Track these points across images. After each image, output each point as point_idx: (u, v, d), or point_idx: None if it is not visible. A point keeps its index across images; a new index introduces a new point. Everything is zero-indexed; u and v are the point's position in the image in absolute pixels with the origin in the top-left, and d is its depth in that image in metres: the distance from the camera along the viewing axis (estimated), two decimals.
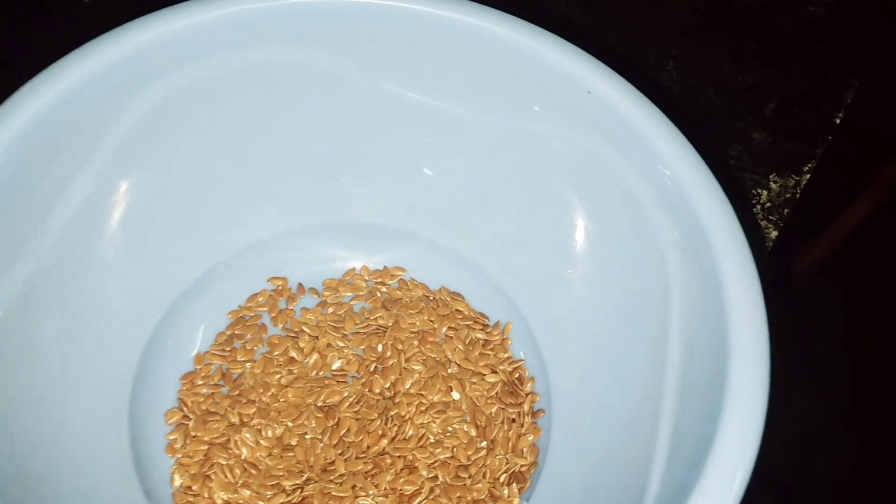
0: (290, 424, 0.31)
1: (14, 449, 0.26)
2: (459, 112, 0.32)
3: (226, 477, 0.30)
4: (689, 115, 0.41)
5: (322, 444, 0.31)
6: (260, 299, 0.35)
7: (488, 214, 0.34)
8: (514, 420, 0.32)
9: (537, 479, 0.31)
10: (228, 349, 0.34)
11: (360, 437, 0.31)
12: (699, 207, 0.26)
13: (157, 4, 0.29)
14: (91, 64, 0.27)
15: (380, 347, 0.33)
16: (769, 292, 0.25)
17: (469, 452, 0.31)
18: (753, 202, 0.39)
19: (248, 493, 0.30)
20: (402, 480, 0.30)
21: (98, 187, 0.30)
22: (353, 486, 0.30)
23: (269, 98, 0.32)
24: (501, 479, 0.31)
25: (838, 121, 0.42)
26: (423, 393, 0.32)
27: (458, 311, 0.34)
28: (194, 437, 0.31)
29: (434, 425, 0.32)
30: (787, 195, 0.39)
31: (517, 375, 0.33)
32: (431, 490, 0.30)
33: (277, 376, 0.33)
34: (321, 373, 0.33)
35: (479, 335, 0.34)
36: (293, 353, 0.33)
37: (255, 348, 0.34)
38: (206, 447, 0.31)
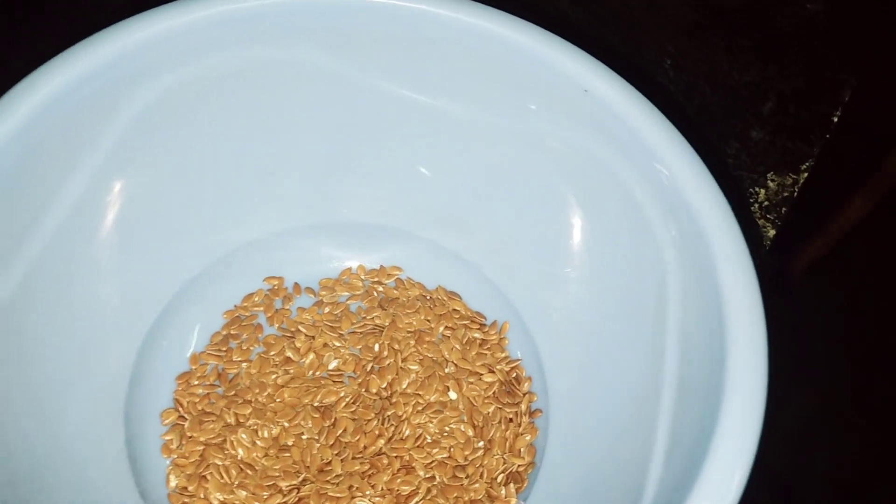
0: (286, 425, 0.31)
1: (8, 450, 0.26)
2: (456, 111, 0.32)
3: (222, 477, 0.30)
4: (687, 114, 0.41)
5: (318, 445, 0.31)
6: (256, 299, 0.35)
7: (485, 213, 0.34)
8: (511, 420, 0.32)
9: (535, 479, 0.31)
10: (224, 349, 0.33)
11: (357, 438, 0.31)
12: (697, 206, 0.26)
13: (156, 4, 0.29)
14: (84, 63, 0.27)
15: (376, 347, 0.33)
16: (767, 291, 0.25)
17: (466, 452, 0.31)
18: (751, 201, 0.39)
19: (244, 493, 0.30)
20: (398, 481, 0.30)
21: (92, 187, 0.30)
22: (350, 487, 0.30)
23: (265, 97, 0.32)
24: (499, 479, 0.31)
25: (836, 119, 0.42)
26: (419, 393, 0.32)
27: (454, 310, 0.34)
28: (190, 437, 0.31)
29: (431, 425, 0.32)
30: (785, 194, 0.39)
31: (514, 375, 0.33)
32: (428, 490, 0.30)
33: (273, 376, 0.33)
34: (317, 373, 0.33)
35: (476, 335, 0.34)
36: (289, 353, 0.33)
37: (251, 348, 0.34)
38: (202, 448, 0.31)
